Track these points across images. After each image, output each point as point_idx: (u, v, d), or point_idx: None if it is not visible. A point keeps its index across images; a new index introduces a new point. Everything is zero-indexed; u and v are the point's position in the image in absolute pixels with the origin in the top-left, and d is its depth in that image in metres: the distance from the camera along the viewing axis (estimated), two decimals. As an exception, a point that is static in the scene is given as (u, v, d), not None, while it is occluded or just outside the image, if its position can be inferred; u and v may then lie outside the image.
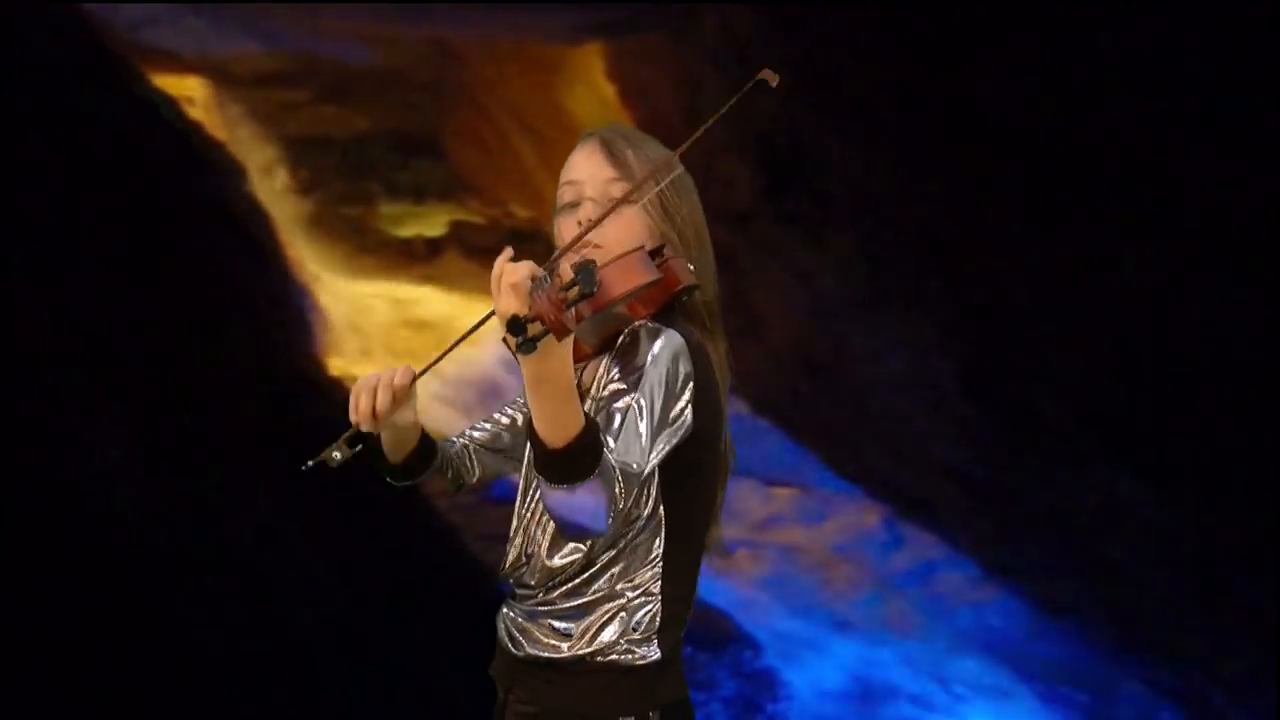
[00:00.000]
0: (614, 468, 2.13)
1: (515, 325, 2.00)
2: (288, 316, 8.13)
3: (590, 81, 9.58)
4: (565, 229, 2.44)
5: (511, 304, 2.04)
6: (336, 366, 7.96)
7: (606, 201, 2.41)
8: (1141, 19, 7.42)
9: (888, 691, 6.76)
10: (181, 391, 7.07)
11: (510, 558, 2.45)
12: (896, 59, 8.20)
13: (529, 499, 2.44)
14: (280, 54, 9.58)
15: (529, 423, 2.11)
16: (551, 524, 2.36)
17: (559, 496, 2.11)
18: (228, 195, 8.54)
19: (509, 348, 2.15)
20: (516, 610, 2.46)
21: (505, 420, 2.71)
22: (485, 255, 7.88)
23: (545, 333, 2.02)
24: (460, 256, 8.62)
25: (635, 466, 2.18)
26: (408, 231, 8.81)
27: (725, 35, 8.95)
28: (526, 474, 2.48)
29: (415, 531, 6.89)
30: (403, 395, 2.40)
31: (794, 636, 6.95)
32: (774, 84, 2.46)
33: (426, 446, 2.54)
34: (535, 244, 6.66)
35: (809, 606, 7.08)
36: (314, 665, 6.39)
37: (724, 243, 8.64)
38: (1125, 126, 7.53)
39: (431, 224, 8.84)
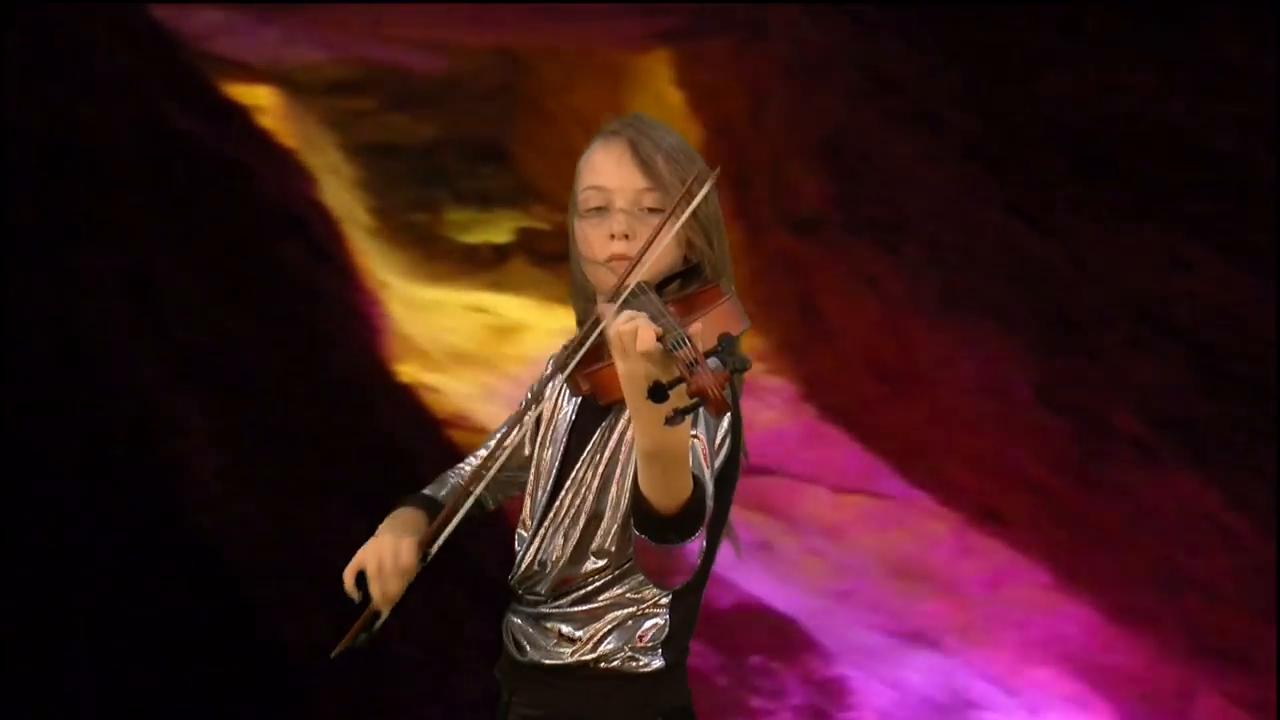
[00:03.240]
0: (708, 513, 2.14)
1: (658, 392, 1.96)
2: (357, 324, 8.17)
3: (657, 88, 9.56)
4: (594, 237, 2.43)
5: (648, 370, 2.00)
6: (405, 373, 7.98)
7: (638, 212, 2.39)
8: (1214, 19, 7.33)
9: (958, 701, 6.72)
10: (258, 399, 7.13)
11: (522, 567, 2.44)
12: (966, 63, 8.15)
13: (555, 510, 2.41)
14: (348, 62, 9.61)
15: (635, 486, 2.10)
16: (575, 535, 2.36)
17: (660, 550, 2.10)
18: (298, 203, 8.59)
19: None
20: (521, 615, 2.46)
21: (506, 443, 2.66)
22: (552, 262, 7.89)
23: (698, 405, 1.98)
24: (527, 263, 8.63)
25: (710, 506, 2.19)
26: (474, 238, 8.83)
27: (793, 41, 8.91)
28: (541, 484, 2.45)
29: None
30: (410, 572, 2.41)
31: (863, 645, 6.92)
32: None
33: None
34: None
35: (878, 615, 7.04)
36: (384, 665, 6.43)
37: (791, 249, 8.62)
38: (1200, 129, 7.45)
39: (498, 231, 8.85)
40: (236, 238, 7.91)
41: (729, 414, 2.32)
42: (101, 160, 7.41)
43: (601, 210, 2.42)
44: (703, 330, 2.12)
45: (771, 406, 7.60)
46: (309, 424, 7.16)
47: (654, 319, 2.08)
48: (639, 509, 2.13)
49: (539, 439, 2.51)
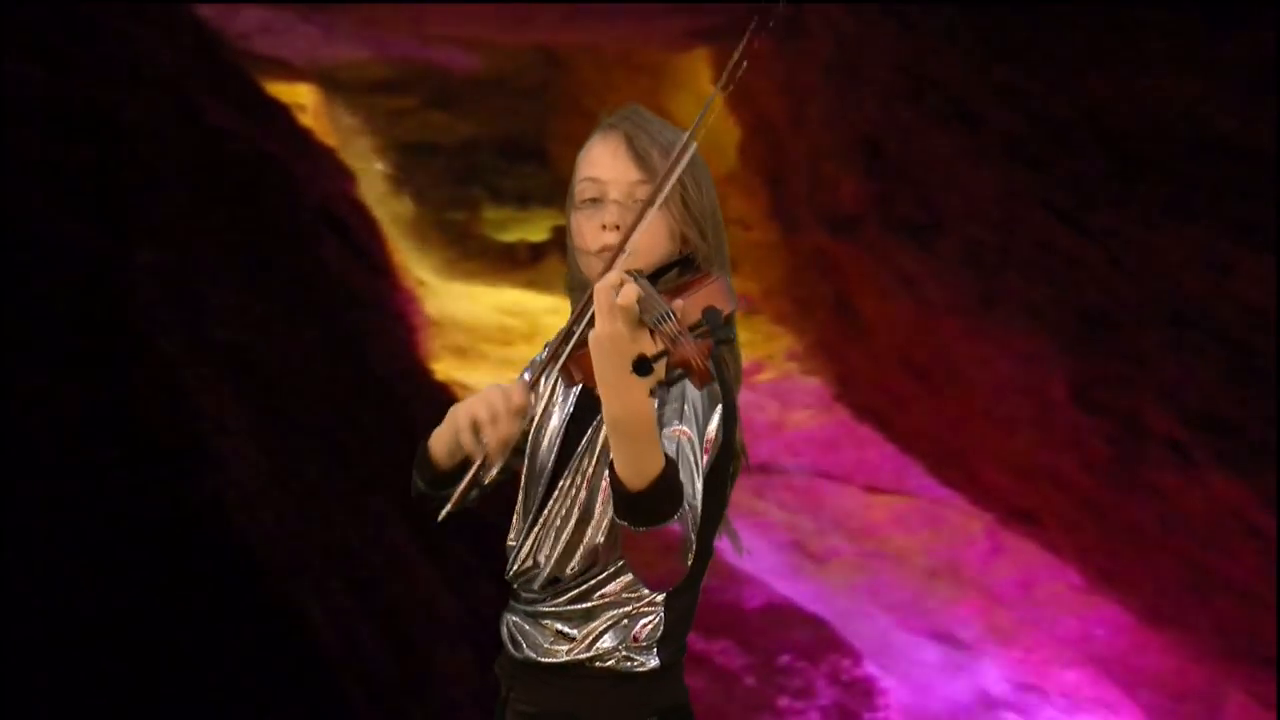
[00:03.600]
0: (689, 507, 2.12)
1: (643, 365, 1.97)
2: (393, 322, 8.21)
3: (696, 87, 9.57)
4: (587, 228, 2.40)
5: (633, 338, 2.00)
6: (440, 371, 8.01)
7: (632, 204, 2.38)
8: (1258, 20, 7.26)
9: (988, 701, 6.69)
10: (295, 396, 7.16)
11: (518, 564, 2.43)
12: (1006, 63, 8.10)
13: (549, 507, 2.40)
14: (389, 61, 9.68)
15: (610, 465, 2.09)
16: (568, 534, 2.35)
17: (642, 537, 2.09)
18: (337, 201, 8.64)
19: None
20: (519, 612, 2.45)
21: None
22: (588, 260, 7.86)
23: (681, 376, 1.97)
24: (563, 261, 8.64)
25: (697, 500, 2.17)
26: (511, 236, 8.86)
27: (833, 40, 8.88)
28: (534, 484, 2.44)
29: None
30: (521, 415, 2.34)
31: (893, 645, 6.90)
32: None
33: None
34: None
35: (908, 615, 7.02)
36: (432, 663, 6.45)
37: (828, 248, 8.58)
38: (1242, 132, 7.38)
39: (535, 229, 8.89)
40: (276, 236, 7.94)
41: (720, 407, 2.30)
42: (145, 158, 7.45)
43: (596, 201, 2.39)
44: (688, 306, 2.08)
45: (805, 406, 7.59)
46: (345, 421, 7.18)
47: (636, 287, 2.07)
48: (613, 488, 2.10)
49: (529, 439, 2.49)
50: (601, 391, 2.07)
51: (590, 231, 2.39)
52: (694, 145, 2.35)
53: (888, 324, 8.02)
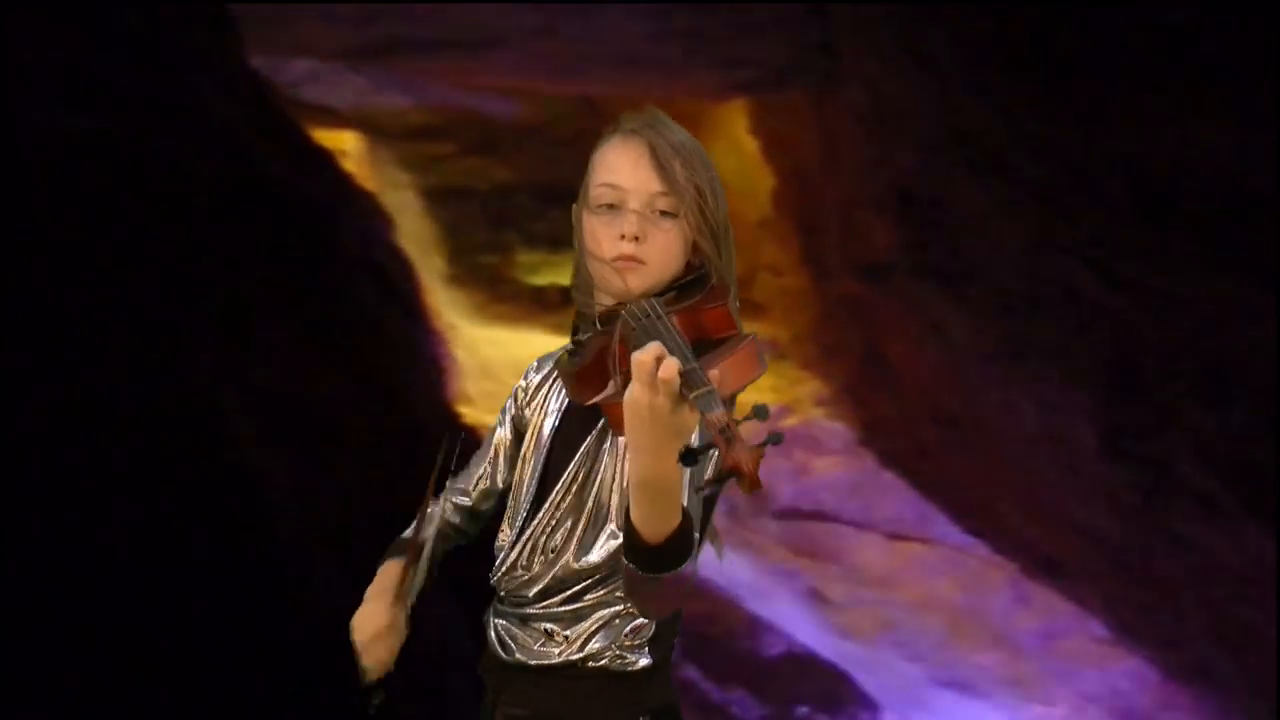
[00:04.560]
0: (696, 544, 2.13)
1: (689, 457, 1.95)
2: (426, 367, 8.24)
3: (732, 137, 9.60)
4: (604, 235, 2.37)
5: (674, 412, 1.99)
6: (470, 414, 8.02)
7: (651, 214, 2.35)
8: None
9: (1007, 754, 6.58)
10: (330, 433, 7.20)
11: (504, 569, 2.42)
12: (1038, 114, 8.08)
13: (539, 518, 2.39)
14: (431, 108, 9.78)
15: (627, 516, 2.09)
16: (560, 540, 2.34)
17: (646, 580, 2.10)
18: (376, 246, 8.70)
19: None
20: (506, 615, 2.44)
21: (491, 470, 2.62)
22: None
23: (728, 478, 1.94)
24: (591, 306, 8.66)
25: (701, 533, 2.17)
26: (542, 280, 8.89)
27: (869, 92, 8.90)
28: (525, 489, 2.43)
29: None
30: (402, 632, 2.48)
31: (913, 696, 6.81)
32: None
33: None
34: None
35: (929, 665, 6.93)
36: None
37: (859, 294, 8.56)
38: (1270, 182, 7.32)
39: (566, 273, 8.88)
40: (318, 280, 8.01)
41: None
42: (198, 205, 7.54)
43: (614, 208, 2.36)
44: (724, 376, 2.05)
45: (830, 452, 7.54)
46: (378, 469, 7.19)
47: (681, 361, 2.05)
48: (628, 538, 2.10)
49: (523, 444, 2.48)
50: (632, 453, 2.06)
51: (608, 240, 2.36)
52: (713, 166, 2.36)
53: (916, 371, 7.98)
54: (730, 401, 2.06)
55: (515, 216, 9.04)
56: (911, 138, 8.51)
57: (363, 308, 8.30)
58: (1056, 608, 7.17)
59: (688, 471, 2.04)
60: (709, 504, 2.30)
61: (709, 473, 2.09)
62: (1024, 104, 8.13)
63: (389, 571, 2.55)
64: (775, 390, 7.86)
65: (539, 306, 8.77)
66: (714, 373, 2.02)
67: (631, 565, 2.10)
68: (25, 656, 5.38)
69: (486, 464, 2.58)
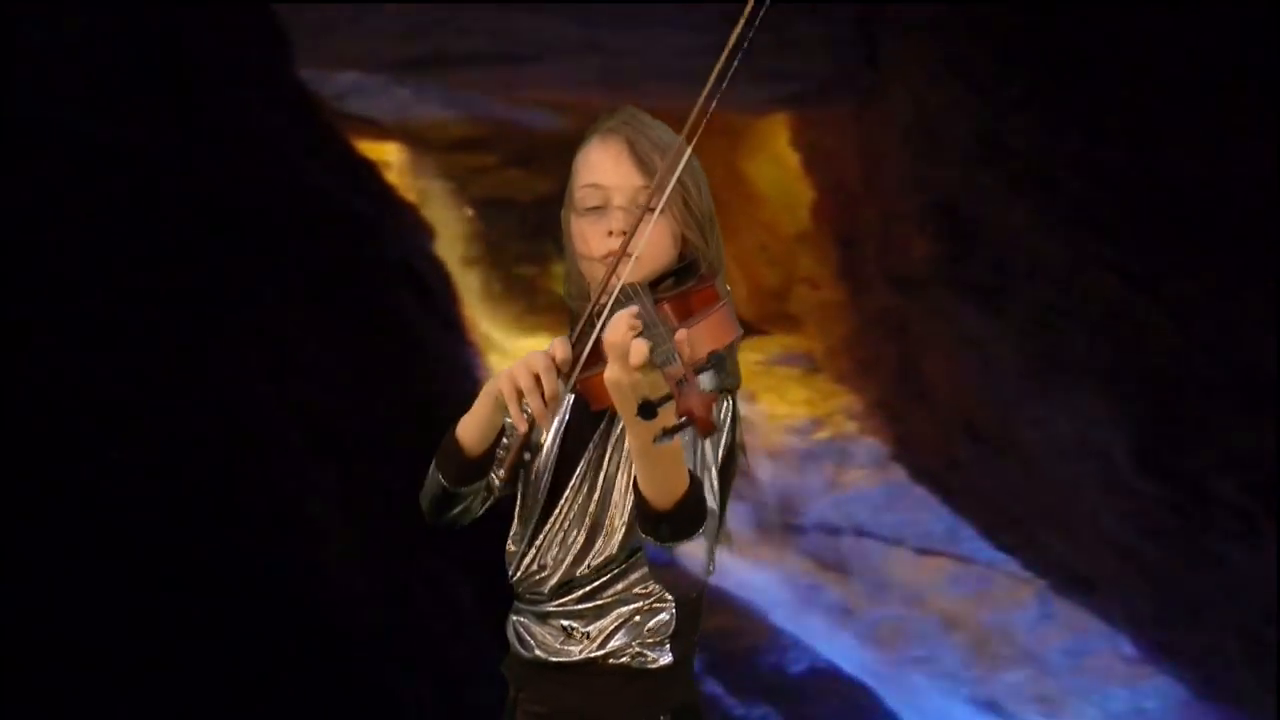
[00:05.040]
0: (711, 514, 2.16)
1: (647, 410, 1.97)
2: (461, 378, 8.25)
3: (773, 150, 9.58)
4: (590, 234, 2.39)
5: (636, 379, 2.01)
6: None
7: (636, 209, 2.37)
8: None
9: (1032, 772, 6.52)
10: (370, 445, 7.22)
11: (524, 566, 2.42)
12: (1080, 129, 8.04)
13: (555, 515, 2.39)
14: (474, 120, 9.81)
15: (634, 484, 2.11)
16: (577, 537, 2.35)
17: (665, 552, 2.13)
18: (416, 257, 8.74)
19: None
20: (525, 613, 2.44)
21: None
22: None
23: (685, 425, 1.96)
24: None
25: (717, 508, 2.18)
26: (578, 292, 8.88)
27: (913, 106, 8.88)
28: (535, 488, 2.43)
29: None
30: (563, 369, 2.28)
31: (937, 712, 6.76)
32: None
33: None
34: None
35: (956, 682, 6.88)
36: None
37: (896, 308, 8.52)
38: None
39: (601, 284, 8.90)
40: (359, 293, 8.06)
41: (727, 404, 2.29)
42: (245, 218, 7.60)
43: (599, 209, 2.40)
44: (695, 335, 2.07)
45: (861, 466, 7.51)
46: (418, 481, 7.20)
47: (646, 326, 2.06)
48: (638, 506, 2.12)
49: (525, 462, 2.49)
50: (626, 423, 2.10)
51: (595, 238, 2.39)
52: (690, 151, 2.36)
53: (951, 385, 7.95)
54: (720, 366, 2.06)
55: (554, 228, 9.04)
56: (952, 152, 8.49)
57: (403, 319, 8.33)
58: (1085, 625, 7.11)
59: (688, 433, 2.04)
60: (724, 493, 2.30)
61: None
62: (1066, 119, 8.10)
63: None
64: (809, 404, 7.84)
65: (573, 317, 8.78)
66: (683, 333, 2.04)
67: (649, 538, 2.12)
68: (32, 663, 5.43)
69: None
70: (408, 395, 7.71)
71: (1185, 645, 6.89)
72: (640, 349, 1.99)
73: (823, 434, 7.71)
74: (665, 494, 2.08)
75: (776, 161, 9.49)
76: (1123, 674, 6.91)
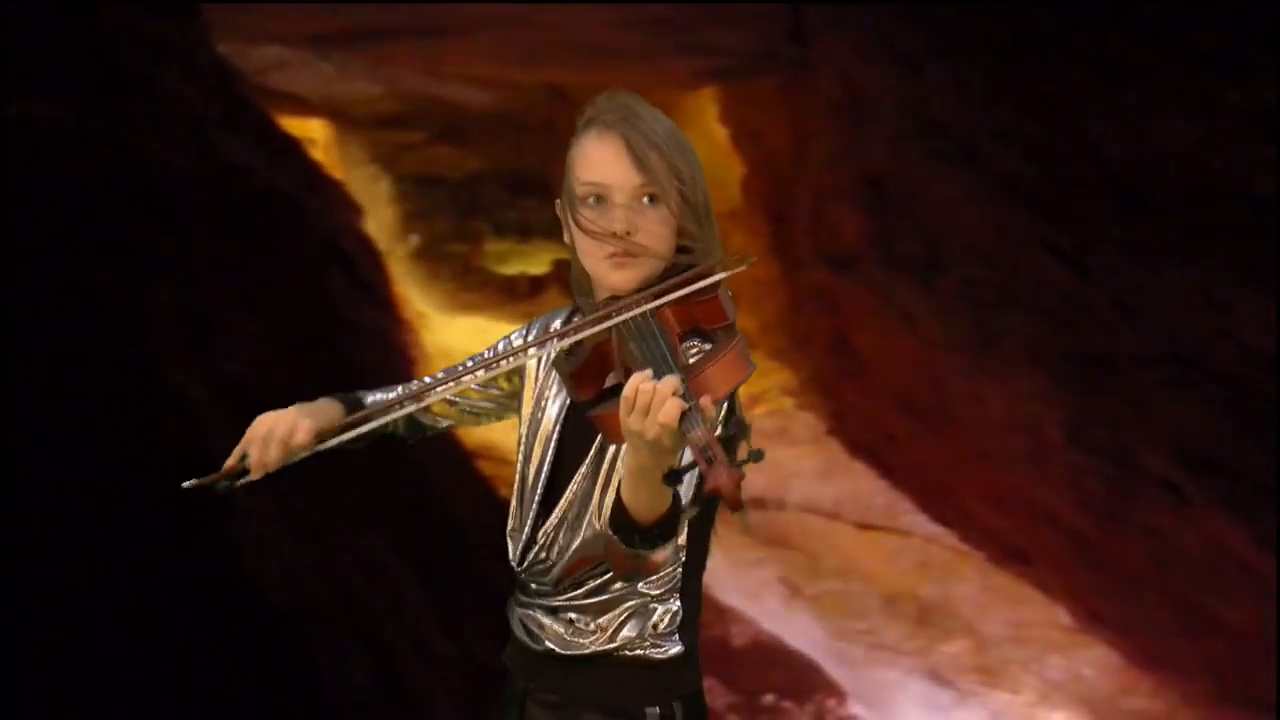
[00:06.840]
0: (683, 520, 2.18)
1: (674, 477, 2.00)
2: (393, 357, 8.21)
3: (702, 126, 9.59)
4: (590, 231, 2.39)
5: (664, 451, 2.02)
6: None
7: (637, 205, 2.37)
8: (1259, 66, 7.25)
9: (973, 741, 6.61)
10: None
11: (529, 556, 2.43)
12: (1009, 104, 8.10)
13: (561, 505, 2.40)
14: (400, 95, 9.74)
15: (618, 498, 2.13)
16: (581, 533, 2.36)
17: (630, 555, 2.15)
18: (344, 235, 8.67)
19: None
20: (532, 605, 2.45)
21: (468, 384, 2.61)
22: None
23: (711, 500, 1.99)
24: (562, 294, 8.62)
25: (686, 505, 2.19)
26: (511, 269, 8.87)
27: (839, 81, 8.91)
28: (533, 484, 2.44)
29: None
30: (297, 452, 2.41)
31: (880, 684, 6.83)
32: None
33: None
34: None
35: (896, 654, 6.96)
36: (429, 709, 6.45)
37: (828, 285, 8.54)
38: (1241, 173, 7.35)
39: (535, 262, 8.89)
40: (285, 269, 7.98)
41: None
42: (163, 194, 7.49)
43: (600, 204, 2.40)
44: (710, 380, 2.08)
45: (797, 441, 7.56)
46: (344, 461, 7.14)
47: (655, 366, 2.07)
48: (616, 511, 2.15)
49: (526, 425, 2.48)
50: (629, 448, 2.10)
51: (595, 236, 2.39)
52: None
53: (885, 360, 8.00)
54: (722, 404, 2.08)
55: (484, 205, 9.02)
56: (882, 127, 8.52)
57: (332, 297, 8.27)
58: (1023, 596, 7.22)
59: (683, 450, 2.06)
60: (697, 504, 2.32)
61: (691, 492, 2.13)
62: (995, 94, 8.14)
63: (327, 406, 2.53)
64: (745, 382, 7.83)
65: (508, 295, 8.76)
66: (702, 378, 2.06)
67: (615, 539, 2.14)
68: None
69: (484, 372, 2.55)
70: (336, 373, 7.66)
71: (1121, 614, 7.01)
72: (673, 410, 2.00)
73: (759, 410, 7.76)
74: (648, 511, 2.12)
75: (706, 137, 9.51)
76: (1060, 643, 7.02)
